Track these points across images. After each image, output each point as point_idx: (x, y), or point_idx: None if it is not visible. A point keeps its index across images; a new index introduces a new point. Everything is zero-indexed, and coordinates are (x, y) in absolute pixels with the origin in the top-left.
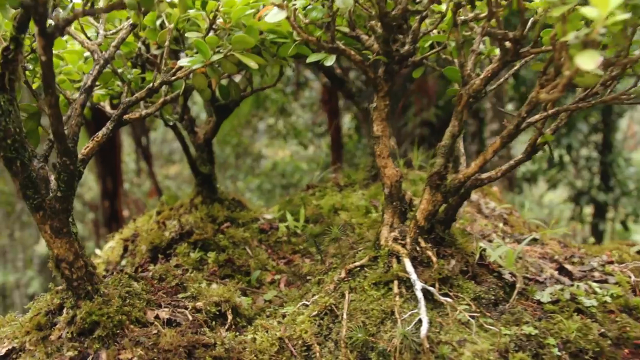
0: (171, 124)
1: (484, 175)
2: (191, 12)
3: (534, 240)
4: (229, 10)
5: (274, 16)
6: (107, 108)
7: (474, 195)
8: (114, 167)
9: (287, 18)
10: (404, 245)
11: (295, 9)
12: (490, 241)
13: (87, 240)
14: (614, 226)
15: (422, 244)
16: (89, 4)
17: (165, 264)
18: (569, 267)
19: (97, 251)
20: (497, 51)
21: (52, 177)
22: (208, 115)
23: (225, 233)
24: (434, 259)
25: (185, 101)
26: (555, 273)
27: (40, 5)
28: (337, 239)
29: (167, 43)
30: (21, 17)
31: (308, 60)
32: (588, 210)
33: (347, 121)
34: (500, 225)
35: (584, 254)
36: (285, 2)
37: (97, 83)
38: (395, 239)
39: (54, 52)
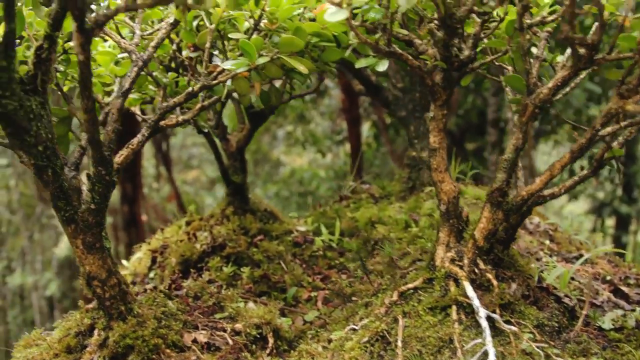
0: (205, 131)
1: (547, 192)
2: (233, 12)
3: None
4: (275, 10)
5: (332, 15)
6: (139, 113)
7: None
8: (134, 172)
9: (347, 20)
10: (461, 267)
11: (352, 9)
12: (538, 259)
13: None
14: (636, 239)
15: (481, 265)
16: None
17: (198, 279)
18: (625, 289)
19: (124, 262)
20: (560, 58)
21: (84, 187)
22: (240, 122)
23: (258, 246)
24: (495, 282)
25: (222, 107)
26: (612, 296)
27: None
28: (372, 253)
29: (207, 45)
30: (57, 13)
31: (357, 66)
32: (610, 222)
33: (365, 129)
34: (547, 242)
35: (638, 275)
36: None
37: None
38: (452, 260)
39: None
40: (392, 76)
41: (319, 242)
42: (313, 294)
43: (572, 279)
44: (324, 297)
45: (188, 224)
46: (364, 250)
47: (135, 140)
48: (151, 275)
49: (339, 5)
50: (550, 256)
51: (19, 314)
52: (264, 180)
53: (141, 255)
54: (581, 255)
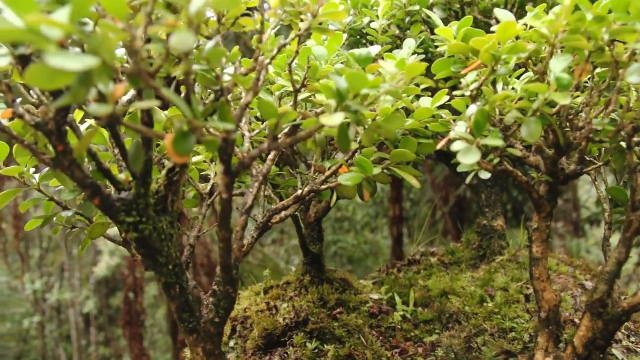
0: (295, 213)
1: None
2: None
3: None
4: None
5: (465, 156)
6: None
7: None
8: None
9: (479, 162)
10: None
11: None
12: (616, 341)
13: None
14: None
15: None
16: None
17: (286, 357)
18: None
19: None
20: None
21: (202, 295)
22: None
23: (339, 320)
24: None
25: None
26: None
27: (229, 146)
28: (447, 326)
29: (318, 152)
30: None
31: (459, 170)
32: None
33: None
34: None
35: None
36: (471, 134)
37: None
38: None
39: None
40: None
41: (398, 317)
42: None
43: None
44: None
45: (266, 292)
46: (439, 323)
47: (246, 242)
48: (232, 344)
49: (470, 142)
50: (629, 337)
51: (56, 329)
52: None
53: None
54: None
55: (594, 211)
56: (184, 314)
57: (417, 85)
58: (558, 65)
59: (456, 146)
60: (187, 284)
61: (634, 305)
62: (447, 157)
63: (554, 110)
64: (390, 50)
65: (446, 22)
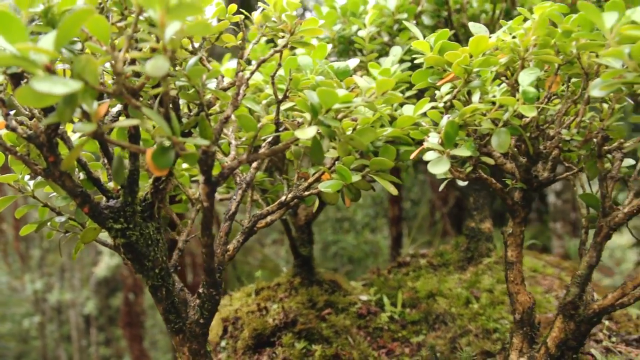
0: (283, 217)
1: (617, 302)
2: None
3: None
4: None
5: (435, 166)
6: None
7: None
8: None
9: (450, 170)
10: None
11: (451, 156)
12: (597, 341)
13: None
14: None
15: None
16: (251, 150)
17: (274, 357)
18: None
19: None
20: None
21: (189, 297)
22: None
23: (326, 320)
24: None
25: None
26: None
27: (209, 158)
28: (433, 327)
29: (297, 161)
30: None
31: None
32: None
33: None
34: (606, 322)
35: None
36: (441, 144)
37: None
38: None
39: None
40: None
41: (385, 318)
42: None
43: None
44: None
45: (257, 293)
46: (426, 324)
47: (231, 247)
48: (223, 344)
49: (442, 153)
50: (610, 337)
51: (57, 329)
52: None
53: (212, 323)
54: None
55: (593, 212)
56: (170, 315)
57: (403, 92)
58: (525, 79)
59: (428, 156)
60: (174, 287)
61: (604, 307)
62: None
63: (527, 120)
64: (379, 57)
65: (435, 28)
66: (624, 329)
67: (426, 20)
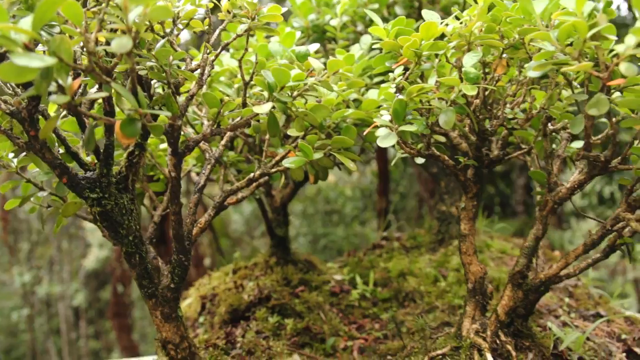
0: (257, 197)
1: (563, 273)
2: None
3: (600, 316)
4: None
5: (384, 141)
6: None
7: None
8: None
9: (398, 142)
10: (484, 338)
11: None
12: (556, 317)
13: None
14: None
15: (502, 337)
16: (215, 126)
17: (248, 329)
18: (637, 350)
19: None
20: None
21: (162, 265)
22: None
23: (300, 297)
24: (513, 353)
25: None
26: (624, 356)
27: (175, 131)
28: (403, 304)
29: (267, 137)
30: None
31: (397, 158)
32: None
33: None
34: (566, 299)
35: None
36: (392, 122)
37: (197, 163)
38: (476, 332)
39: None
40: None
41: (356, 295)
42: (349, 343)
43: (588, 339)
44: (359, 347)
45: (235, 272)
46: (396, 302)
47: (202, 220)
48: (201, 320)
49: (391, 129)
50: (569, 313)
51: (46, 322)
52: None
53: (191, 300)
54: (599, 313)
55: (579, 204)
56: (144, 281)
57: (371, 78)
58: (468, 61)
59: (379, 132)
60: (147, 254)
61: (550, 277)
62: None
63: (475, 100)
64: (349, 45)
65: (408, 18)
66: (583, 306)
67: (399, 10)
